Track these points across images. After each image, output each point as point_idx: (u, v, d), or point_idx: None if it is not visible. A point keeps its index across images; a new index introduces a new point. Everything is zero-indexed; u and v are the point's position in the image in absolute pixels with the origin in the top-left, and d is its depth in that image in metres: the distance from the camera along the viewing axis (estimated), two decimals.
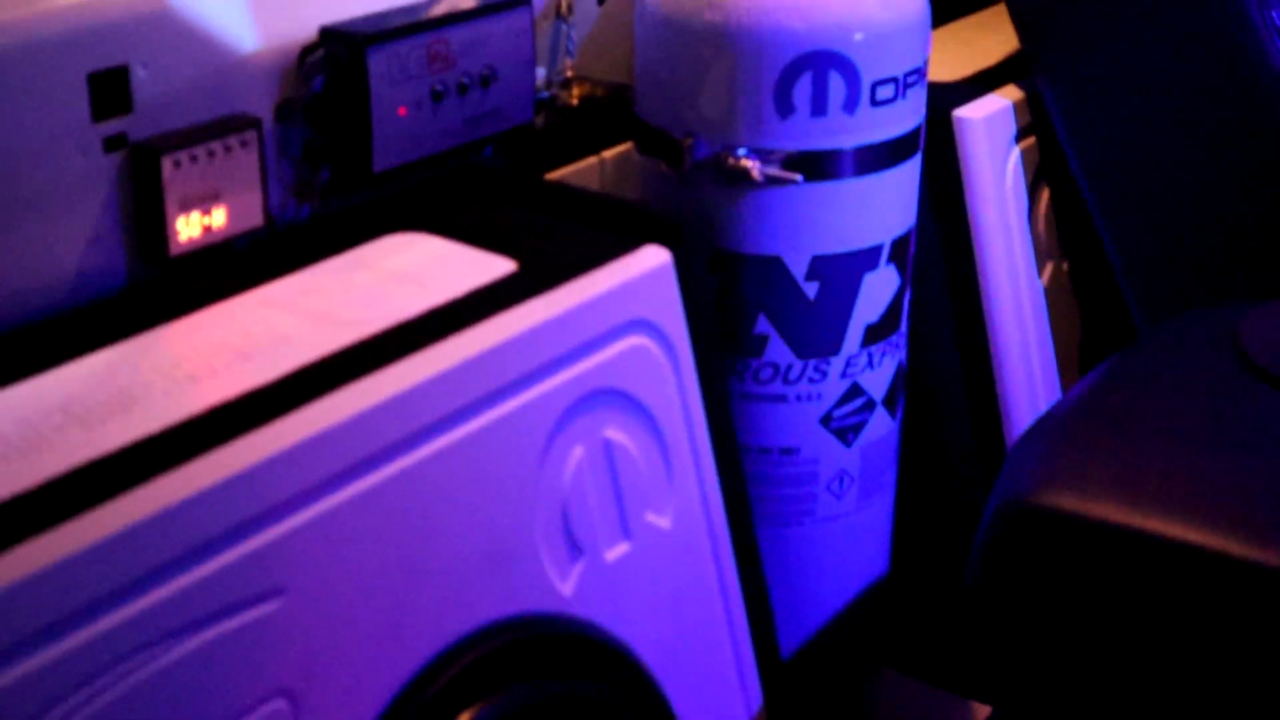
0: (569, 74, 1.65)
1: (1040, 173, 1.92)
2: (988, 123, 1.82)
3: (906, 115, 1.52)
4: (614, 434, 1.32)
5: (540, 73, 1.63)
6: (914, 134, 1.55)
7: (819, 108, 1.46)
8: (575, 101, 1.65)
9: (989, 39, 2.05)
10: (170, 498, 1.00)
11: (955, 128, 1.80)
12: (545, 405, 1.25)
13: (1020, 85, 1.91)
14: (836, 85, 1.45)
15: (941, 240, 1.84)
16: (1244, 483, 1.27)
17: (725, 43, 1.45)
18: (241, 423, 1.08)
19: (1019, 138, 1.88)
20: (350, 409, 1.11)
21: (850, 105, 1.47)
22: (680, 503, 1.39)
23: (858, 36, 1.45)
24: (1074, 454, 1.33)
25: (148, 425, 1.07)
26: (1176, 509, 1.24)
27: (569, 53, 1.64)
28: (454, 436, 1.17)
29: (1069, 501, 1.27)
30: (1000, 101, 1.86)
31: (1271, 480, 1.27)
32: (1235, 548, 1.20)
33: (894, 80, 1.48)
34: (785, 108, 1.46)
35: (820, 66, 1.45)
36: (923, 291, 1.74)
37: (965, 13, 2.17)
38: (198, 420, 1.09)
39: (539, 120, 1.60)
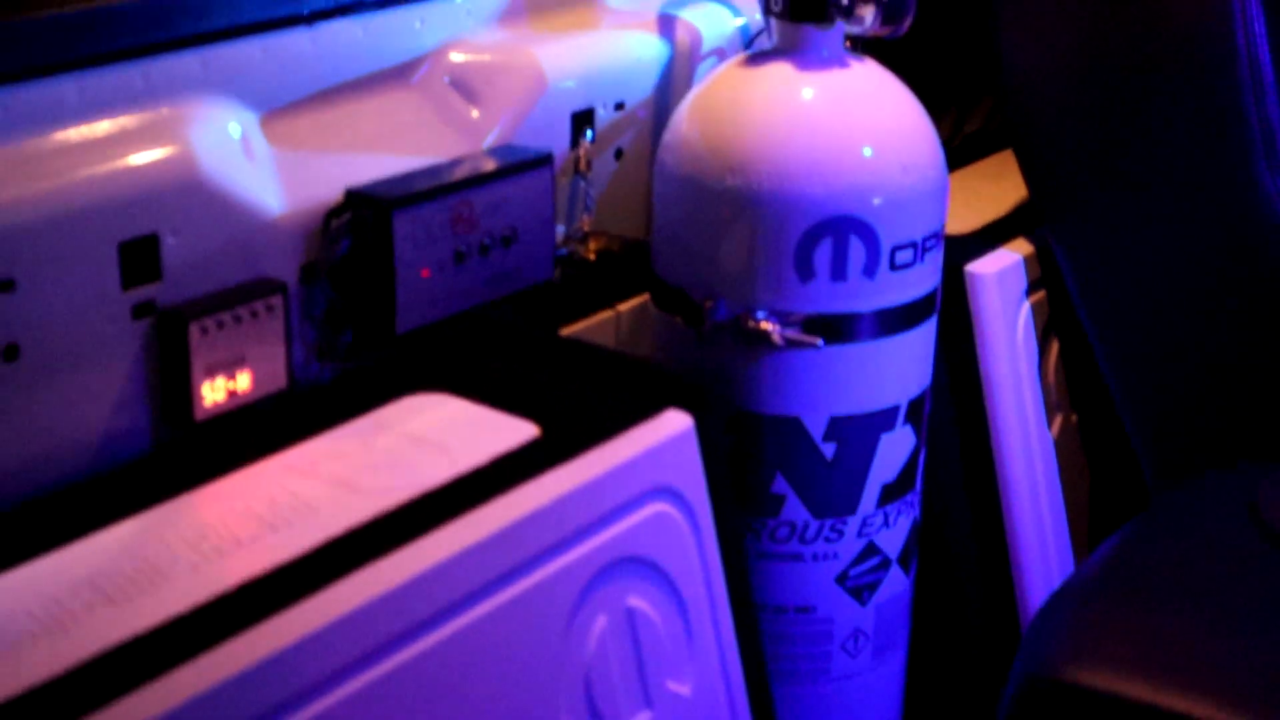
0: (586, 229, 1.66)
1: (1050, 325, 1.93)
2: (1000, 278, 1.83)
3: (924, 278, 1.53)
4: (636, 602, 1.31)
5: (559, 229, 1.63)
6: (931, 295, 1.56)
7: (839, 272, 1.47)
8: (592, 256, 1.65)
9: (997, 188, 2.07)
10: (198, 686, 0.99)
11: (967, 283, 1.81)
12: (570, 577, 1.24)
13: (1030, 238, 1.92)
14: (856, 250, 1.46)
15: (952, 392, 1.84)
16: (1272, 662, 1.26)
17: (747, 207, 1.46)
18: (269, 602, 1.07)
19: (1029, 291, 1.89)
20: (375, 589, 1.10)
21: (870, 270, 1.47)
22: (700, 668, 1.38)
23: (877, 201, 1.46)
24: (1097, 629, 1.32)
25: (177, 604, 1.07)
26: (1203, 688, 1.23)
27: (587, 208, 1.65)
28: (479, 611, 1.17)
29: (1094, 678, 1.27)
30: (1011, 256, 1.87)
31: None
32: None
33: (913, 245, 1.49)
34: (806, 272, 1.47)
35: (841, 231, 1.46)
36: (934, 443, 1.75)
37: (971, 160, 2.19)
38: (226, 598, 1.08)
39: (556, 275, 1.61)
